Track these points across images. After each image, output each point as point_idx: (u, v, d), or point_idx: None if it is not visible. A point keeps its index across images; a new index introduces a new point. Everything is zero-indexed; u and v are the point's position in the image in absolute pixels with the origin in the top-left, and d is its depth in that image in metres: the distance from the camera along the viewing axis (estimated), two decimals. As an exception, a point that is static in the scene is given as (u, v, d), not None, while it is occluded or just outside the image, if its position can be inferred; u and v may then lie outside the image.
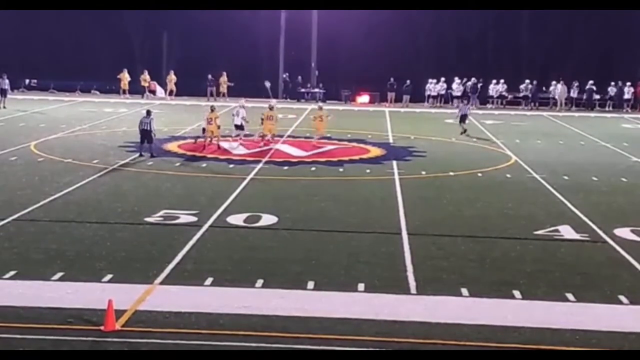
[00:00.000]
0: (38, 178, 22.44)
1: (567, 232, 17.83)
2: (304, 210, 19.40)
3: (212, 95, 47.64)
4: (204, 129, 29.07)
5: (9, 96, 41.35)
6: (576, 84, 48.49)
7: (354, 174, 24.75)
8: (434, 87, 48.97)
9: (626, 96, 48.29)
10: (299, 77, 50.48)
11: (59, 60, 50.84)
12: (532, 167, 26.25)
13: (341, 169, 25.46)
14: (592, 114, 46.17)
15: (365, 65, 50.00)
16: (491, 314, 12.53)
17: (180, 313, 12.14)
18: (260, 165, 25.54)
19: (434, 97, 49.06)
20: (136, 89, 48.19)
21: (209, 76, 47.84)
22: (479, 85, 47.77)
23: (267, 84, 47.79)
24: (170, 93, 48.17)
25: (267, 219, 18.21)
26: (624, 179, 24.86)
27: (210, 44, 50.89)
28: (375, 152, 29.07)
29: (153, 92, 48.59)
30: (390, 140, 32.48)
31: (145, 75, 47.94)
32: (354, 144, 30.87)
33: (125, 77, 47.85)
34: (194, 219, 18.06)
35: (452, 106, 47.46)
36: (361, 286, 13.67)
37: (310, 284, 13.70)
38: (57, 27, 50.96)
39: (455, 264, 15.14)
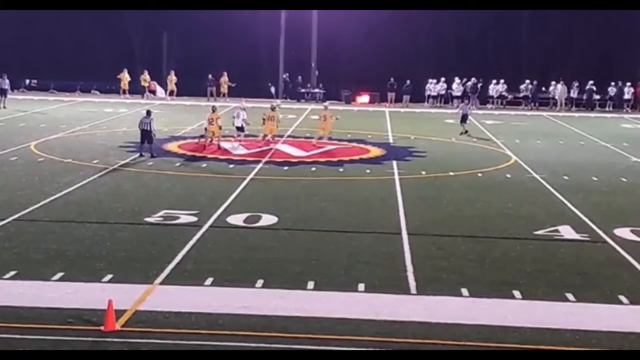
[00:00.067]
0: (38, 178, 22.45)
1: (567, 232, 17.83)
2: (304, 210, 19.40)
3: (212, 95, 47.64)
4: (206, 129, 29.11)
5: (9, 96, 41.36)
6: (576, 84, 48.49)
7: (354, 174, 24.75)
8: (434, 87, 48.98)
9: (626, 96, 48.30)
10: (299, 77, 50.49)
11: (59, 60, 50.83)
12: (532, 167, 26.25)
13: (341, 169, 25.46)
14: (592, 114, 46.18)
15: (365, 65, 49.99)
16: (491, 314, 12.53)
17: (180, 313, 12.14)
18: (260, 165, 25.54)
19: (434, 97, 49.07)
20: (136, 89, 48.19)
21: (210, 76, 47.83)
22: (479, 85, 47.76)
23: (272, 89, 47.77)
24: (171, 93, 48.16)
25: (267, 219, 18.21)
26: (624, 179, 24.86)
27: (210, 44, 50.87)
28: (375, 152, 29.07)
29: (153, 92, 48.58)
30: (390, 140, 32.48)
31: (145, 75, 47.93)
32: (354, 144, 30.88)
33: (125, 77, 47.85)
34: (194, 219, 18.07)
35: (452, 106, 47.50)
36: (361, 286, 13.67)
37: (310, 284, 13.70)
38: (57, 27, 50.94)
39: (455, 264, 15.15)
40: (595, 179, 24.69)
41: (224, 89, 47.82)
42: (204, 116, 33.60)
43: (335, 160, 26.92)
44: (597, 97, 49.06)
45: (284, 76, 50.55)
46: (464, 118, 34.89)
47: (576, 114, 45.83)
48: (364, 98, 49.38)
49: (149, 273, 14.01)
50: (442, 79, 48.87)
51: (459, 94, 48.22)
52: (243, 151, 28.26)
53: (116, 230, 17.07)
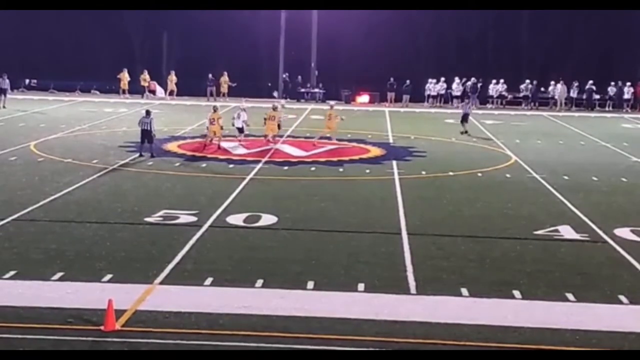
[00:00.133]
0: (38, 178, 22.44)
1: (567, 232, 17.83)
2: (304, 210, 19.40)
3: (211, 95, 47.63)
4: (207, 129, 29.12)
5: (9, 96, 41.35)
6: (576, 84, 48.51)
7: (354, 174, 24.75)
8: (433, 87, 48.99)
9: (626, 96, 48.32)
10: (299, 77, 50.49)
11: (59, 60, 50.84)
12: (532, 167, 26.25)
13: (341, 169, 25.46)
14: (592, 114, 46.19)
15: (365, 65, 50.01)
16: (491, 314, 12.53)
17: (180, 313, 12.14)
18: (260, 165, 25.54)
19: (433, 97, 49.08)
20: (136, 89, 48.18)
21: (210, 76, 47.82)
22: (479, 85, 47.77)
23: (276, 94, 47.79)
24: (171, 93, 48.15)
25: (267, 219, 18.21)
26: (624, 179, 24.86)
27: (210, 44, 50.89)
28: (375, 152, 29.07)
29: (153, 92, 48.59)
30: (390, 140, 32.48)
31: (145, 75, 47.94)
32: (354, 144, 30.87)
33: (125, 77, 47.84)
34: (194, 219, 18.06)
35: (452, 106, 47.55)
36: (361, 286, 13.67)
37: (310, 284, 13.70)
38: (57, 27, 50.96)
39: (455, 264, 15.14)
40: (595, 179, 24.69)
41: (224, 88, 47.81)
42: (204, 116, 33.64)
43: (335, 160, 26.92)
44: (597, 97, 49.07)
45: (284, 76, 50.54)
46: (464, 117, 34.92)
47: (576, 114, 45.84)
48: (364, 98, 49.38)
49: (149, 273, 14.01)
50: (442, 79, 48.89)
51: (458, 94, 48.24)
52: (243, 151, 28.26)
53: (116, 230, 17.06)
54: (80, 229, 17.07)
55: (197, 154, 27.49)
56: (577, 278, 14.55)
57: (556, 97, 48.67)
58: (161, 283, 13.59)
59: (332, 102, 35.87)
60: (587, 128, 38.16)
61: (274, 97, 47.00)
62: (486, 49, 53.38)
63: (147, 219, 17.99)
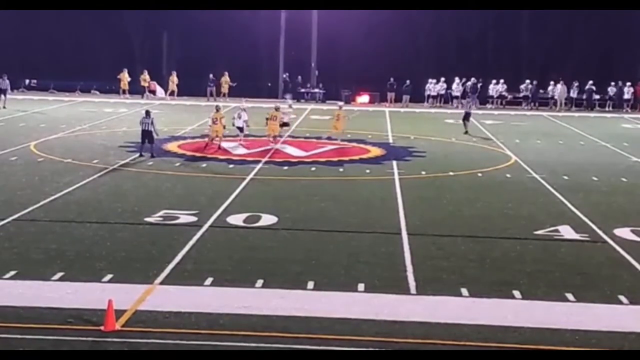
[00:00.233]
0: (38, 178, 22.45)
1: (567, 232, 17.84)
2: (304, 210, 19.40)
3: (211, 95, 47.62)
4: (224, 127, 29.21)
5: (9, 96, 41.35)
6: (576, 84, 48.51)
7: (354, 174, 24.75)
8: (433, 87, 48.99)
9: (626, 96, 48.32)
10: (299, 77, 50.49)
11: (59, 60, 50.85)
12: (532, 167, 26.26)
13: (341, 169, 25.46)
14: (592, 114, 46.18)
15: (365, 65, 50.02)
16: (491, 314, 12.53)
17: (180, 313, 12.14)
18: (260, 165, 25.54)
19: (433, 97, 49.08)
20: (136, 89, 48.19)
21: (211, 75, 47.82)
22: (479, 85, 47.77)
23: (288, 97, 47.74)
24: (172, 94, 48.14)
25: (267, 219, 18.21)
26: (624, 179, 24.87)
27: (210, 44, 50.90)
28: (375, 152, 29.08)
29: (153, 92, 48.58)
30: (390, 140, 32.49)
31: (145, 75, 47.92)
32: (354, 144, 30.88)
33: (125, 77, 47.84)
34: (194, 219, 18.07)
35: (452, 106, 47.56)
36: (361, 286, 13.67)
37: (310, 284, 13.70)
38: (57, 27, 50.98)
39: (455, 264, 15.15)
40: (595, 179, 24.70)
41: (225, 88, 47.80)
42: (204, 116, 33.67)
43: (335, 160, 26.92)
44: (597, 97, 49.08)
45: (284, 76, 50.55)
46: (466, 116, 34.96)
47: (576, 114, 45.83)
48: (364, 98, 49.38)
49: (149, 273, 14.01)
50: (442, 79, 48.88)
51: (458, 94, 48.23)
52: (243, 151, 28.27)
53: (116, 230, 17.07)
54: (81, 229, 17.07)
55: (198, 154, 27.49)
56: (577, 278, 14.56)
57: (556, 97, 48.68)
58: (161, 283, 13.59)
59: (340, 103, 36.02)
60: (587, 128, 38.17)
61: (284, 99, 46.87)
62: (486, 49, 53.40)
63: (147, 219, 17.99)
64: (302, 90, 50.02)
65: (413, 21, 50.55)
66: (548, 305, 13.00)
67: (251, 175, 23.67)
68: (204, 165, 25.58)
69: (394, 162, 26.65)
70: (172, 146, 28.94)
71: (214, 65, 48.64)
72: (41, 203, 19.26)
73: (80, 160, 25.35)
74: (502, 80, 49.23)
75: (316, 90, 49.98)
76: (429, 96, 49.01)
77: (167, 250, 15.45)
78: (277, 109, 30.69)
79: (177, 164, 25.56)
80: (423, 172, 25.16)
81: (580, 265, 15.40)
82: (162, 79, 49.98)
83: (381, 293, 13.36)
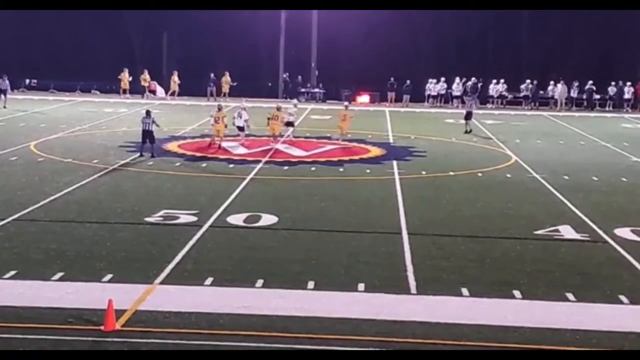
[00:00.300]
0: (38, 178, 22.45)
1: (567, 232, 17.83)
2: (304, 210, 19.40)
3: (212, 95, 47.61)
4: (226, 126, 29.24)
5: (9, 96, 41.35)
6: (576, 84, 48.51)
7: (354, 174, 24.75)
8: (434, 87, 48.99)
9: (626, 96, 48.31)
10: (299, 77, 50.49)
11: (59, 60, 50.85)
12: (532, 167, 26.26)
13: (341, 169, 25.46)
14: (592, 114, 46.17)
15: (365, 65, 50.01)
16: (491, 314, 12.53)
17: (180, 313, 12.14)
18: (260, 165, 25.54)
19: (434, 97, 49.08)
20: (136, 89, 48.19)
21: (212, 75, 47.82)
22: (479, 85, 47.76)
23: (296, 101, 47.83)
24: (173, 94, 48.12)
25: (267, 219, 18.21)
26: (624, 179, 24.87)
27: (210, 44, 50.90)
28: (375, 152, 29.08)
29: (153, 92, 48.58)
30: (390, 140, 32.49)
31: (145, 75, 47.93)
32: (354, 144, 30.88)
33: (125, 77, 47.84)
34: (194, 219, 18.07)
35: (452, 106, 47.57)
36: (361, 286, 13.67)
37: (310, 284, 13.70)
38: (57, 27, 50.97)
39: (455, 264, 15.14)
40: (595, 178, 24.70)
41: (226, 88, 47.78)
42: (204, 116, 33.64)
43: (335, 160, 26.92)
44: (597, 97, 49.07)
45: (284, 76, 50.54)
46: (468, 116, 34.97)
47: (576, 114, 45.83)
48: (364, 98, 49.37)
49: (149, 273, 14.01)
50: (442, 78, 48.88)
51: (458, 94, 48.23)
52: (243, 151, 28.27)
53: (116, 230, 17.07)
54: (81, 229, 17.07)
55: (198, 153, 27.49)
56: (577, 278, 14.55)
57: (556, 97, 48.68)
58: (161, 283, 13.59)
59: (346, 103, 36.10)
60: (587, 128, 38.16)
61: (284, 98, 46.87)
62: (486, 49, 53.39)
63: (148, 219, 17.99)
64: (302, 90, 50.01)
65: (413, 21, 50.54)
66: (548, 305, 13.00)
67: (251, 175, 23.67)
68: (204, 165, 25.58)
69: (394, 162, 26.65)
70: (172, 146, 28.94)
71: (214, 65, 48.64)
72: (41, 203, 19.26)
73: (81, 160, 25.35)
74: (502, 80, 49.24)
75: (316, 90, 49.97)
76: (429, 96, 49.01)
77: (167, 250, 15.45)
78: (278, 108, 30.71)
79: (177, 164, 25.56)
80: (423, 172, 25.16)
81: (581, 265, 15.40)
82: (162, 79, 49.99)
83: (381, 293, 13.36)
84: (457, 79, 48.47)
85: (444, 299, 13.15)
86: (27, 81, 51.22)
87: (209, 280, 13.72)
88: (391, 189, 22.37)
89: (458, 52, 52.64)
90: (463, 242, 16.75)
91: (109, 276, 13.84)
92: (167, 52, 53.48)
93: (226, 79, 47.84)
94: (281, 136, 30.96)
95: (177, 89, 48.06)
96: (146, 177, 23.20)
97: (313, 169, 25.36)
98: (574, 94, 48.73)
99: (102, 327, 11.40)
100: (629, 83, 48.06)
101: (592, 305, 13.07)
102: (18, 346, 10.79)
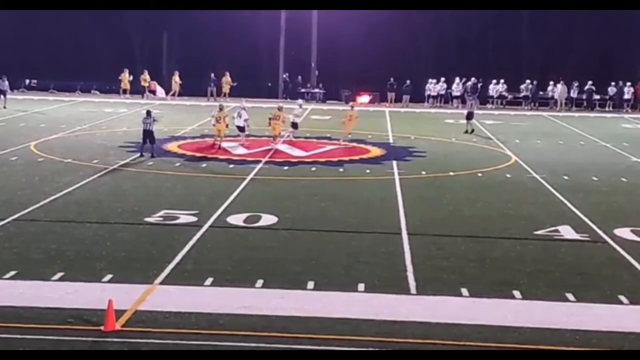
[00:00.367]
0: (38, 178, 22.45)
1: (567, 232, 17.84)
2: (304, 210, 19.41)
3: (212, 95, 47.60)
4: (227, 126, 29.25)
5: (9, 96, 41.35)
6: (576, 84, 48.51)
7: (354, 174, 24.75)
8: (434, 87, 48.99)
9: (626, 96, 48.31)
10: (299, 77, 50.48)
11: (59, 60, 50.82)
12: (532, 167, 26.26)
13: (341, 169, 25.46)
14: (592, 114, 46.18)
15: (365, 65, 49.98)
16: (491, 314, 12.53)
17: (180, 313, 12.15)
18: (260, 165, 25.54)
19: (434, 97, 49.08)
20: (136, 89, 48.18)
21: (212, 75, 47.80)
22: (479, 85, 47.75)
23: (301, 101, 47.81)
24: (174, 94, 48.07)
25: (267, 219, 18.21)
26: (624, 179, 24.87)
27: (210, 44, 50.87)
28: (375, 152, 29.08)
29: (153, 92, 48.56)
30: (390, 140, 32.49)
31: (146, 76, 47.92)
32: (354, 144, 30.88)
33: (126, 77, 47.83)
34: (194, 219, 18.07)
35: (452, 106, 47.57)
36: (361, 286, 13.67)
37: (310, 284, 13.70)
38: (57, 27, 50.94)
39: (455, 264, 15.15)
40: (595, 179, 24.70)
41: (226, 88, 47.76)
42: (203, 116, 33.64)
43: (335, 160, 26.93)
44: (597, 97, 49.07)
45: (284, 76, 50.54)
46: (469, 116, 34.98)
47: (576, 114, 45.83)
48: (364, 98, 49.36)
49: (149, 273, 14.01)
50: (442, 79, 48.87)
51: (458, 94, 48.23)
52: (243, 151, 28.27)
53: (116, 230, 17.07)
54: (81, 229, 17.07)
55: (198, 154, 27.48)
56: (577, 278, 14.56)
57: (556, 97, 48.67)
58: (161, 283, 13.60)
59: (352, 102, 36.14)
60: (587, 128, 38.17)
61: (291, 99, 46.82)
62: (486, 49, 53.36)
63: (147, 219, 17.99)
64: (302, 90, 49.99)
65: (413, 21, 50.51)
66: (548, 305, 13.00)
67: (251, 175, 23.67)
68: (204, 165, 25.58)
69: (394, 162, 26.65)
70: (172, 146, 28.94)
71: (214, 65, 48.63)
72: (41, 203, 19.27)
73: (80, 160, 25.35)
74: (502, 80, 49.23)
75: (316, 90, 49.96)
76: (429, 96, 49.00)
77: (167, 250, 15.45)
78: (279, 108, 30.70)
79: (177, 164, 25.56)
80: (423, 172, 25.16)
81: (580, 265, 15.40)
82: (162, 79, 49.96)
83: (381, 293, 13.36)
84: (457, 79, 48.46)
85: (443, 299, 13.16)
86: (27, 81, 51.20)
87: (209, 281, 13.72)
88: (391, 189, 22.38)
89: (458, 52, 52.61)
90: (463, 242, 16.76)
91: (109, 276, 13.84)
92: (167, 52, 53.46)
93: (226, 79, 47.83)
94: (282, 136, 30.97)
95: (178, 89, 48.04)
96: (146, 177, 23.20)
97: (313, 169, 25.36)
98: (573, 94, 48.72)
99: (102, 327, 11.41)
100: (628, 83, 48.05)
101: (592, 305, 13.07)
102: (18, 346, 10.80)
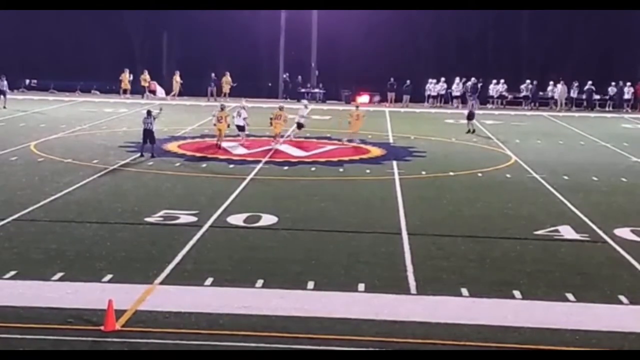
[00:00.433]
0: (38, 178, 22.45)
1: (567, 232, 17.84)
2: (304, 210, 19.41)
3: (212, 95, 47.59)
4: (228, 125, 29.21)
5: (9, 96, 41.35)
6: (576, 84, 48.51)
7: (354, 174, 24.75)
8: (434, 87, 48.98)
9: (626, 96, 48.30)
10: (299, 77, 50.48)
11: (59, 60, 50.82)
12: (532, 167, 26.26)
13: (341, 169, 25.47)
14: (592, 114, 46.17)
15: (365, 65, 49.98)
16: (491, 314, 12.53)
17: (180, 313, 12.15)
18: (260, 165, 25.54)
19: (434, 97, 49.07)
20: (136, 89, 48.18)
21: (212, 75, 47.79)
22: (479, 85, 47.75)
23: (305, 102, 47.78)
24: (175, 94, 48.03)
25: (267, 219, 18.21)
26: (624, 179, 24.87)
27: (210, 44, 50.87)
28: (375, 152, 29.08)
29: (153, 92, 48.55)
30: (390, 140, 32.49)
31: (145, 75, 47.91)
32: (354, 144, 30.85)
33: (126, 77, 47.82)
34: (194, 219, 18.07)
35: (452, 106, 47.57)
36: (361, 286, 13.67)
37: (310, 284, 13.70)
38: (57, 27, 50.93)
39: (455, 264, 15.15)
40: (595, 179, 24.70)
41: (226, 88, 47.74)
42: (204, 116, 33.64)
43: (335, 160, 26.93)
44: (597, 97, 49.06)
45: (284, 76, 50.53)
46: (470, 116, 34.98)
47: (576, 114, 45.83)
48: (364, 98, 49.34)
49: (149, 273, 14.01)
50: (442, 79, 48.87)
51: (458, 94, 48.23)
52: (243, 151, 28.26)
53: (116, 230, 17.07)
54: (81, 229, 17.07)
55: (198, 154, 27.49)
56: (577, 278, 14.56)
57: (556, 97, 48.67)
58: (161, 283, 13.60)
59: (356, 102, 36.17)
60: (587, 128, 38.16)
61: (291, 99, 46.79)
62: (486, 49, 53.35)
63: (147, 219, 18.00)
64: (302, 90, 49.99)
65: (413, 21, 50.51)
66: (548, 305, 13.00)
67: (251, 175, 23.67)
68: (204, 165, 25.58)
69: (394, 162, 26.66)
70: (172, 146, 28.94)
71: (214, 65, 48.63)
72: (41, 203, 19.27)
73: (80, 160, 25.35)
74: (502, 80, 49.23)
75: (316, 90, 49.96)
76: (429, 96, 49.00)
77: (167, 250, 15.46)
78: (281, 108, 30.71)
79: (177, 164, 25.56)
80: (423, 172, 25.16)
81: (580, 265, 15.41)
82: (162, 79, 49.95)
83: (381, 293, 13.36)
84: (457, 79, 48.46)
85: (443, 299, 13.16)
86: (27, 81, 51.20)
87: (209, 281, 13.73)
88: (391, 189, 22.38)
89: (458, 52, 52.61)
90: (463, 242, 16.76)
91: (109, 276, 13.84)
92: (167, 52, 53.46)
93: (227, 79, 47.82)
94: (282, 136, 30.97)
95: (178, 88, 48.02)
96: (146, 177, 23.20)
97: (313, 169, 25.36)
98: (573, 94, 48.72)
99: (102, 327, 11.41)
100: (628, 83, 48.04)
101: (592, 305, 13.07)
102: (18, 346, 10.80)
